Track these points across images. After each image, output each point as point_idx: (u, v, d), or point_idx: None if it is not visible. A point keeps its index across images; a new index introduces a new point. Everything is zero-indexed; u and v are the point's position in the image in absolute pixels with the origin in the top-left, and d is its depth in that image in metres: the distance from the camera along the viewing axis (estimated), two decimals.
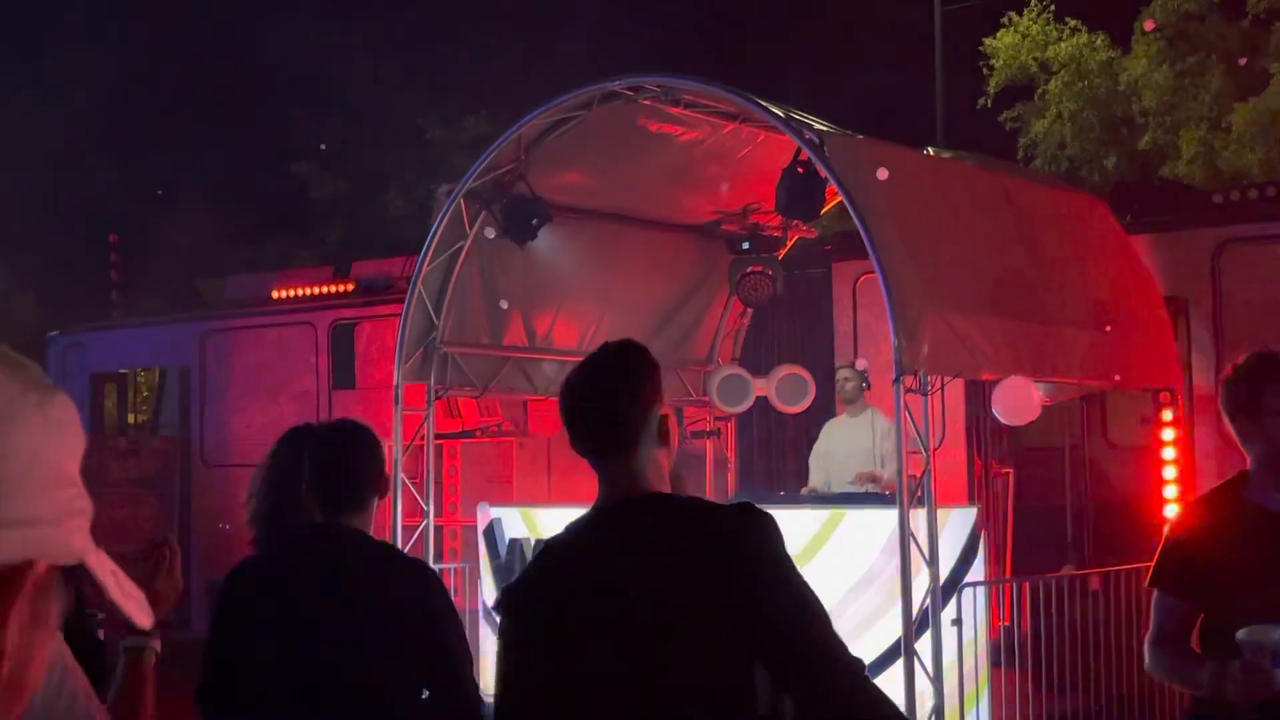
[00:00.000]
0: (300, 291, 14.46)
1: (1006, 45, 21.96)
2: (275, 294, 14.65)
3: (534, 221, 9.88)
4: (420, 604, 3.79)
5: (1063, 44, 21.70)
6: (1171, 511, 9.55)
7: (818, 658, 2.62)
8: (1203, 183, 18.13)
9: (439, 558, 10.08)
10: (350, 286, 14.13)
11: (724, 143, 9.92)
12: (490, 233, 10.05)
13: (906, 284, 7.70)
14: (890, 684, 7.06)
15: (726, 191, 10.66)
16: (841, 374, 10.04)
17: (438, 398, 10.21)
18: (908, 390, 7.55)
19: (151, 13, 26.66)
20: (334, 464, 3.91)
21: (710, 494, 11.78)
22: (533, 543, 9.44)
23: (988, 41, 22.14)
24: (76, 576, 1.24)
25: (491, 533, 9.49)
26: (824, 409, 10.78)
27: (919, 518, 7.53)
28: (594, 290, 11.02)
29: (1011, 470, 10.57)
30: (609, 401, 2.81)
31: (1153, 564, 3.85)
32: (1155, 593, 3.83)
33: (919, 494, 7.58)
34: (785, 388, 11.39)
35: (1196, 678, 3.56)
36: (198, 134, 26.25)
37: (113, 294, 20.44)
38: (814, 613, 2.66)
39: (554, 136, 9.78)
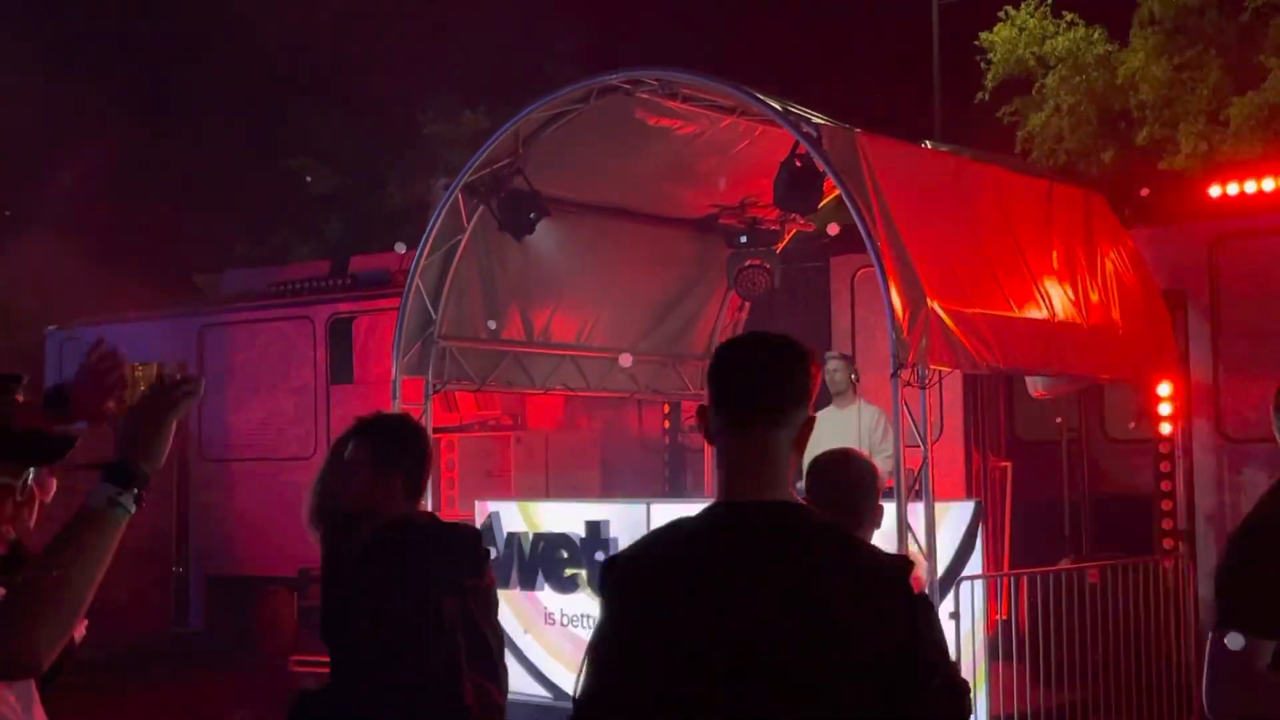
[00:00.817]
0: (298, 285, 14.45)
1: (1003, 39, 21.91)
2: (273, 288, 14.65)
3: (531, 215, 9.88)
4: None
5: (1060, 38, 21.65)
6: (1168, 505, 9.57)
7: None
8: (1201, 177, 18.12)
9: None
10: (348, 280, 14.12)
11: (721, 136, 9.91)
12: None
13: (904, 278, 7.70)
14: None
15: (724, 185, 10.66)
16: (831, 364, 9.97)
17: (435, 391, 10.21)
18: (905, 384, 7.56)
19: (146, 3, 26.61)
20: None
21: (708, 488, 11.79)
22: (530, 537, 9.46)
23: (984, 36, 22.09)
24: None
25: (489, 527, 9.50)
26: (823, 402, 10.78)
27: (917, 511, 7.53)
28: (592, 284, 11.02)
29: (1009, 464, 10.58)
30: (781, 363, 2.62)
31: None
32: None
33: (917, 488, 7.58)
34: None
35: None
36: (196, 128, 26.21)
37: (110, 288, 20.39)
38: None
39: (551, 130, 9.78)
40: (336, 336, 13.66)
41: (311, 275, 14.67)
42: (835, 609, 2.40)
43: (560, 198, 10.25)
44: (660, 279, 11.51)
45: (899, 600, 2.45)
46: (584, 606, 9.16)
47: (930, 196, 8.60)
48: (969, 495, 9.85)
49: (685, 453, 12.71)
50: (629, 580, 2.55)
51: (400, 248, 12.53)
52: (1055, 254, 9.14)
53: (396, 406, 9.70)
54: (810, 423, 2.61)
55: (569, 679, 8.30)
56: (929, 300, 7.70)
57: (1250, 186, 10.33)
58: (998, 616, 8.54)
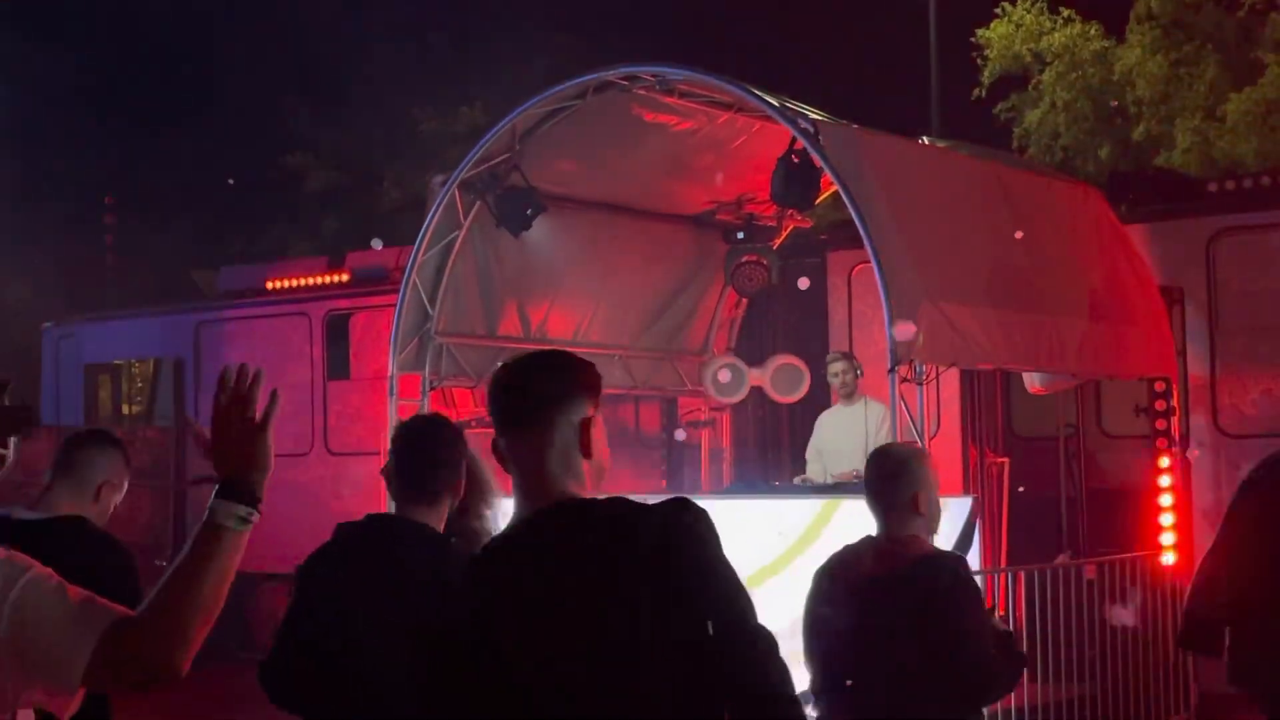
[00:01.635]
0: (295, 282, 14.42)
1: (1000, 35, 21.93)
2: (269, 284, 14.61)
3: (529, 211, 9.87)
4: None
5: (1056, 34, 21.67)
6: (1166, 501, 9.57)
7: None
8: (1198, 172, 18.13)
9: None
10: (345, 277, 14.10)
11: (719, 132, 9.91)
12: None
13: (901, 274, 7.69)
14: None
15: (721, 181, 10.66)
16: (837, 365, 9.96)
17: (432, 388, 10.19)
18: (903, 380, 7.55)
19: (144, 1, 26.60)
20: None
21: (706, 484, 11.79)
22: None
23: (981, 32, 22.10)
24: None
25: None
26: (820, 398, 10.77)
27: None
28: (589, 280, 11.01)
29: (1007, 460, 10.57)
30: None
31: None
32: None
33: None
34: (780, 377, 11.39)
35: None
36: (193, 125, 26.20)
37: (106, 285, 20.41)
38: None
39: (548, 126, 9.77)
40: (333, 333, 13.64)
41: (308, 271, 14.65)
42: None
43: (557, 194, 10.24)
44: (657, 275, 11.51)
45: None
46: None
47: (928, 192, 8.60)
48: (966, 491, 9.83)
49: (682, 448, 12.70)
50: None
51: (377, 244, 12.55)
52: (1052, 249, 9.13)
53: (393, 404, 9.69)
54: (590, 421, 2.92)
55: None
56: (926, 296, 7.70)
57: (1248, 183, 10.33)
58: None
